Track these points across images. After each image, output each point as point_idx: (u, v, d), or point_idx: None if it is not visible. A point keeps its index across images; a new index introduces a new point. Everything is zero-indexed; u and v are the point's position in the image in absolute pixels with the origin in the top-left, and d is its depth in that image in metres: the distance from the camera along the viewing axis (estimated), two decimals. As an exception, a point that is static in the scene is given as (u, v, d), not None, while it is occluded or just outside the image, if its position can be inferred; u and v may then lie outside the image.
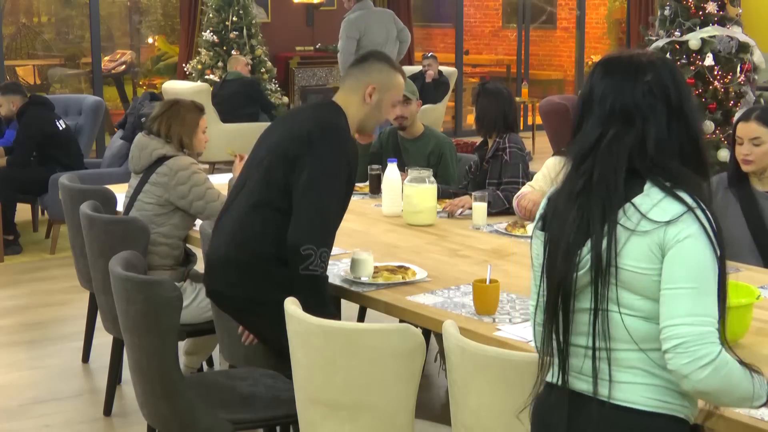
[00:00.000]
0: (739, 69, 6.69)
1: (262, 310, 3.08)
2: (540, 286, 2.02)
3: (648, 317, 1.91)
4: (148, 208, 4.08)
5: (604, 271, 1.90)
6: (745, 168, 3.62)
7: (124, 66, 12.72)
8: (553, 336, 1.98)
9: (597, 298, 1.92)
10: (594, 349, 1.93)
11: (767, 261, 3.55)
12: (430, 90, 10.01)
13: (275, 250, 3.05)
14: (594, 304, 1.93)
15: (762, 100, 6.99)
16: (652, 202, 1.89)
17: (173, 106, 4.21)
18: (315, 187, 3.01)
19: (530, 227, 3.90)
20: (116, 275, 3.04)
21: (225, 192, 4.30)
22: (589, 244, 1.92)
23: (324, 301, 2.99)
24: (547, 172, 4.20)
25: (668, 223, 1.87)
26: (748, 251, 3.58)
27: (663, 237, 1.87)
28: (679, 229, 1.86)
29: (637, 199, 1.91)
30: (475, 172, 4.61)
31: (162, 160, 4.10)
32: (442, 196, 4.38)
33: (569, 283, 1.94)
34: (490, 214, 4.09)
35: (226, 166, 9.15)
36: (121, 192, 4.45)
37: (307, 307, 2.69)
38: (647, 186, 1.92)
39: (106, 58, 12.16)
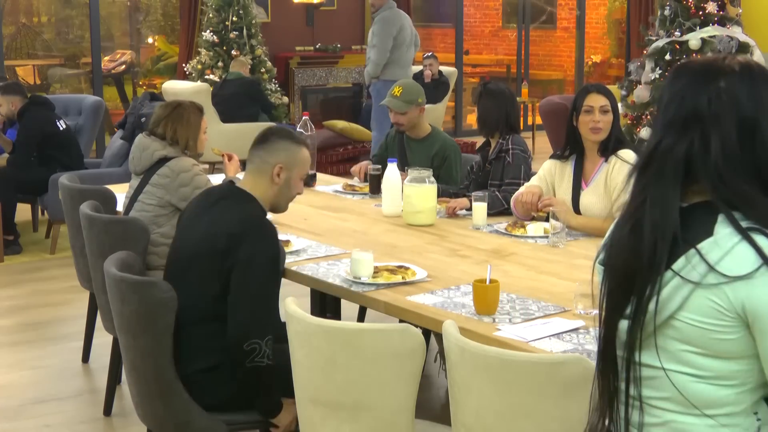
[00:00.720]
0: (739, 69, 6.69)
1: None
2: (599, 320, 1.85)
3: (718, 378, 1.71)
4: (148, 209, 4.08)
5: (646, 322, 1.71)
6: None
7: (124, 66, 12.72)
8: (601, 377, 1.83)
9: (631, 350, 1.75)
10: (627, 396, 1.78)
11: None
12: (430, 90, 10.02)
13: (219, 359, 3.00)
14: (627, 353, 1.76)
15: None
16: (723, 250, 1.65)
17: (176, 108, 4.20)
18: (251, 283, 2.92)
19: (531, 227, 3.93)
20: (111, 276, 3.03)
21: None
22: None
23: (271, 390, 2.96)
24: (544, 174, 4.20)
25: (741, 278, 1.63)
26: None
27: (736, 296, 1.65)
28: (757, 291, 1.62)
29: (705, 246, 1.67)
30: (477, 172, 4.62)
31: (163, 161, 4.10)
32: (442, 195, 4.38)
33: (614, 327, 1.79)
34: (488, 214, 4.09)
35: (226, 166, 9.15)
36: (121, 192, 4.45)
37: (256, 398, 2.93)
38: (718, 226, 1.68)
39: (106, 58, 12.16)
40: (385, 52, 8.60)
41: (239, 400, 3.01)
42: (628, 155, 3.94)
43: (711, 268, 1.65)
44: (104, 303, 4.04)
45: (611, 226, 1.88)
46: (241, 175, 4.62)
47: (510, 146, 4.46)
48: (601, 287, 1.83)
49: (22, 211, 7.20)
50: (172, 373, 2.98)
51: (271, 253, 3.00)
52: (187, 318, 3.01)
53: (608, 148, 3.98)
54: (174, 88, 8.98)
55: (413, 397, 2.52)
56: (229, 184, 3.21)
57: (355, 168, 5.10)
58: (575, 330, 2.75)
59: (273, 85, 10.26)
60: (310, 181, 4.86)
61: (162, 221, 4.09)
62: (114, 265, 3.09)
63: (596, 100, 3.96)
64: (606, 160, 3.98)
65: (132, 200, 4.17)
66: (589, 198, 4.01)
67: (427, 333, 3.71)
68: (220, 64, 9.99)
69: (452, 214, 4.27)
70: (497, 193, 4.33)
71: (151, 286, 2.96)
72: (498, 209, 4.24)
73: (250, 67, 9.74)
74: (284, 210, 3.29)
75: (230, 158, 4.47)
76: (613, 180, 3.93)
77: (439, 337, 2.91)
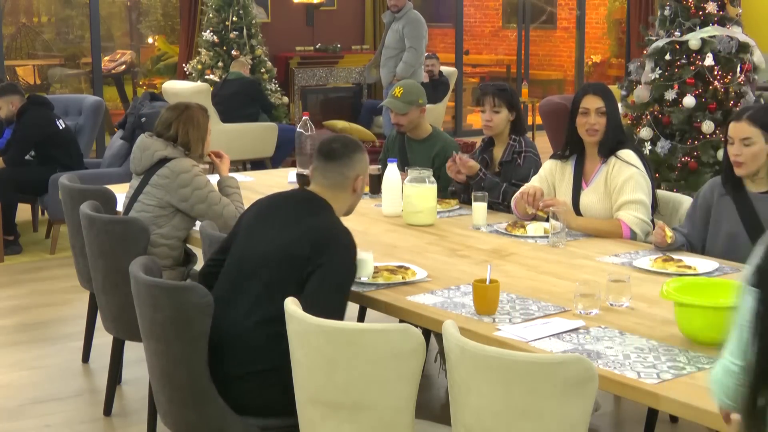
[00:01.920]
0: (739, 69, 6.68)
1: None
2: (747, 345, 1.76)
3: None
4: (148, 210, 4.08)
5: None
6: (737, 171, 3.54)
7: (124, 66, 12.72)
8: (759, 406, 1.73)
9: None
10: None
11: None
12: (429, 90, 10.02)
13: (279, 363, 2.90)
14: None
15: (762, 100, 6.99)
16: None
17: (186, 110, 4.19)
18: (330, 287, 2.90)
19: (531, 227, 3.93)
20: (141, 281, 2.96)
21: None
22: None
23: None
24: (545, 174, 4.19)
25: None
26: (748, 255, 3.56)
27: None
28: None
29: None
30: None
31: (163, 161, 4.10)
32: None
33: None
34: (490, 199, 4.12)
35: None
36: (121, 192, 4.44)
37: None
38: None
39: (106, 58, 12.16)
40: (421, 55, 8.74)
41: (283, 404, 2.90)
42: (628, 155, 3.95)
43: None
44: (104, 303, 4.04)
45: (761, 248, 1.82)
46: (240, 176, 4.61)
47: (524, 148, 4.44)
48: (757, 311, 1.75)
49: (22, 211, 7.20)
50: (207, 380, 2.91)
51: (351, 261, 3.00)
52: (250, 319, 2.95)
53: (606, 149, 3.98)
54: (174, 88, 8.98)
55: (413, 397, 2.52)
56: (305, 191, 3.19)
57: None
58: (575, 330, 2.75)
59: (273, 85, 10.26)
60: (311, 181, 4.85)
61: (162, 222, 4.08)
62: (141, 269, 3.02)
63: (592, 102, 3.96)
64: (606, 161, 3.99)
65: (132, 200, 4.17)
66: (589, 198, 4.01)
67: (427, 333, 3.71)
68: (220, 64, 9.99)
69: (457, 173, 4.32)
70: (498, 180, 4.34)
71: (188, 291, 2.88)
72: (495, 198, 4.26)
73: (250, 67, 9.73)
74: (351, 213, 3.30)
75: (219, 156, 4.44)
76: (613, 180, 3.93)
77: (439, 337, 2.91)
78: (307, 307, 2.82)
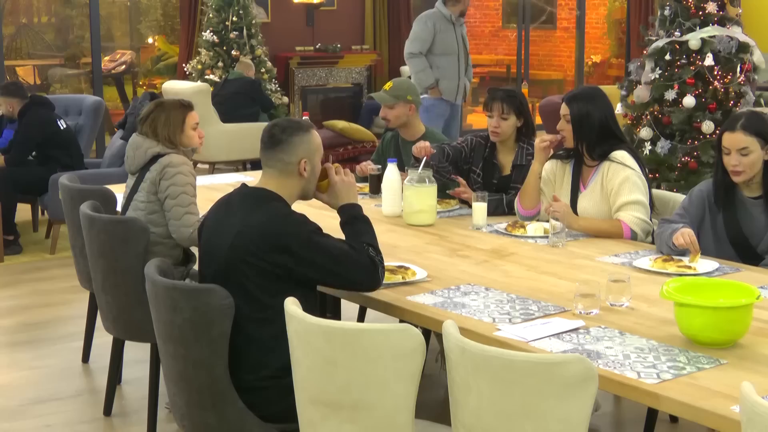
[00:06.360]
0: (739, 69, 6.68)
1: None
2: None
3: None
4: (141, 207, 4.09)
5: None
6: (735, 179, 3.54)
7: (124, 66, 12.72)
8: None
9: None
10: None
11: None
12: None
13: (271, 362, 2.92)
14: None
15: (762, 100, 6.99)
16: None
17: (158, 107, 4.23)
18: (327, 256, 2.93)
19: (531, 227, 3.93)
20: (159, 284, 2.93)
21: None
22: None
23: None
24: (545, 175, 4.19)
25: None
26: (735, 259, 3.57)
27: None
28: None
29: None
30: (492, 173, 4.49)
31: (156, 158, 4.12)
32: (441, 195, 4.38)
33: None
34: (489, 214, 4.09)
35: (226, 166, 9.14)
36: (121, 192, 4.44)
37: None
38: None
39: (106, 58, 12.17)
40: None
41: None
42: (622, 156, 3.93)
43: None
44: (104, 303, 4.04)
45: None
46: (240, 176, 4.60)
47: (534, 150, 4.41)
48: None
49: (22, 211, 7.20)
50: (227, 382, 2.89)
51: (314, 228, 2.97)
52: (242, 325, 2.91)
53: (595, 154, 3.98)
54: (174, 88, 8.98)
55: (413, 396, 2.52)
56: (247, 188, 3.12)
57: (358, 168, 5.05)
58: (575, 330, 2.75)
59: (273, 85, 10.26)
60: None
61: (157, 219, 4.08)
62: (156, 272, 2.99)
63: (562, 108, 4.03)
64: (600, 164, 3.98)
65: (128, 200, 4.17)
66: (586, 201, 4.00)
67: (427, 333, 3.71)
68: (220, 64, 10.00)
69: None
70: (504, 197, 4.31)
71: (209, 293, 2.86)
72: (501, 213, 4.24)
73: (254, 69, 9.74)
74: (312, 196, 3.24)
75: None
76: (609, 183, 3.93)
77: (439, 337, 2.91)
78: (341, 284, 3.04)
